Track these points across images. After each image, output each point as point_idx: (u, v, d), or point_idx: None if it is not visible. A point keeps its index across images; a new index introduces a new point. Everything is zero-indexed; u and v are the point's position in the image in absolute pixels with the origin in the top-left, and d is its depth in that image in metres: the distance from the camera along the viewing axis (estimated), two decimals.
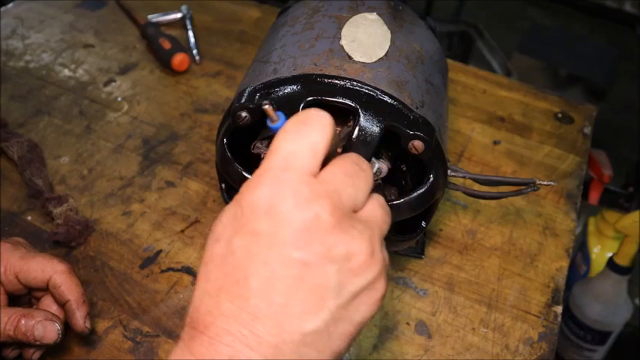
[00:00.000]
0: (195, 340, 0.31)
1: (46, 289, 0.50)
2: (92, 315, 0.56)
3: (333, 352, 0.32)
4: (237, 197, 0.33)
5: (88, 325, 0.50)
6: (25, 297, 0.52)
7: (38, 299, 0.52)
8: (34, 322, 0.47)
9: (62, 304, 0.50)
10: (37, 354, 0.50)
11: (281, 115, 0.34)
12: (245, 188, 0.33)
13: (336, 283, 0.31)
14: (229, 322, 0.30)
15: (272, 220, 0.31)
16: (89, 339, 0.54)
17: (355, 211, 0.34)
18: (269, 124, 0.34)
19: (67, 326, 0.50)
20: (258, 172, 0.33)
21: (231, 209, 0.33)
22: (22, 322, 0.46)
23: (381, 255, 0.33)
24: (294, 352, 0.31)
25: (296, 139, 0.33)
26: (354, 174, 0.34)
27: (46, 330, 0.47)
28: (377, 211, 0.35)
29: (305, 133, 0.33)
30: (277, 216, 0.31)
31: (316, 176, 0.33)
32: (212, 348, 0.30)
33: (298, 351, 0.31)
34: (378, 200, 0.36)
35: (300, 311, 0.31)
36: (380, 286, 0.33)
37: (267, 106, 0.33)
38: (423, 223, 0.54)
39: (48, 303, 0.51)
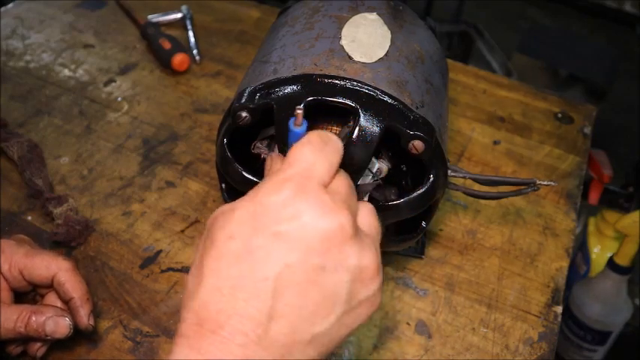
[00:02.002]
0: (204, 340, 0.31)
1: (51, 286, 0.50)
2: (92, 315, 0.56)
3: (327, 352, 0.34)
4: (255, 196, 0.33)
5: (91, 322, 0.50)
6: (29, 294, 0.52)
7: (42, 296, 0.52)
8: (44, 317, 0.47)
9: (66, 302, 0.50)
10: (42, 350, 0.50)
11: (305, 122, 0.37)
12: (267, 188, 0.33)
13: (347, 291, 0.33)
14: (243, 322, 0.30)
15: (297, 224, 0.32)
16: (89, 339, 0.54)
17: None
18: (292, 127, 0.36)
19: None
20: (280, 175, 0.34)
21: (248, 207, 0.33)
22: (33, 318, 0.47)
23: (382, 268, 0.35)
24: (301, 353, 0.32)
25: (319, 153, 0.35)
26: (352, 188, 0.37)
27: (58, 325, 0.47)
28: (373, 221, 0.38)
29: (327, 151, 0.35)
30: (303, 221, 0.32)
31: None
32: (224, 348, 0.30)
33: (304, 351, 0.32)
34: (371, 209, 0.38)
35: (313, 314, 0.32)
36: (378, 298, 0.36)
37: (299, 111, 0.35)
38: (423, 223, 0.54)
39: (52, 300, 0.51)
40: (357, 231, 0.34)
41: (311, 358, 0.33)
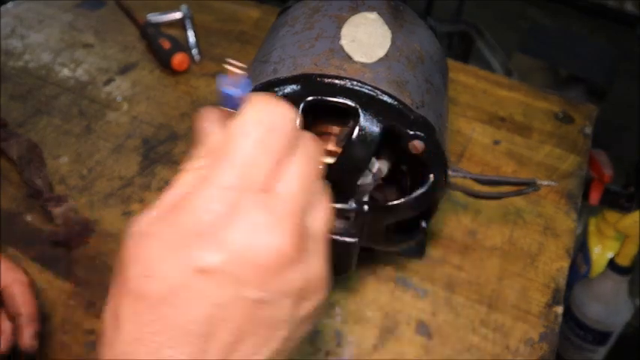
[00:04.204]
0: None
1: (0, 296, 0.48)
2: (92, 315, 0.56)
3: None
4: (175, 216, 0.28)
5: (34, 343, 0.48)
6: None
7: None
8: None
9: (13, 317, 0.48)
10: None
11: (245, 82, 0.27)
12: (188, 205, 0.28)
13: (289, 314, 0.29)
14: None
15: (225, 255, 0.27)
16: (88, 339, 0.54)
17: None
18: (224, 88, 0.27)
19: (67, 324, 0.49)
20: (209, 181, 0.28)
21: (165, 233, 0.28)
22: None
23: (327, 276, 0.31)
24: None
25: (263, 146, 0.28)
26: (310, 177, 0.30)
27: None
28: (326, 220, 0.31)
29: (274, 139, 0.28)
30: (231, 250, 0.27)
31: (272, 189, 0.28)
32: None
33: None
34: (327, 207, 0.32)
35: (252, 346, 0.28)
36: (322, 308, 0.32)
37: (230, 67, 0.28)
38: (423, 223, 0.54)
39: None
40: (304, 244, 0.28)
41: None
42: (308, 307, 0.30)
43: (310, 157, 0.30)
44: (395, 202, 0.49)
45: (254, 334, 0.28)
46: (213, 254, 0.27)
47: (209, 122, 0.31)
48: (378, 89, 0.47)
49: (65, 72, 0.84)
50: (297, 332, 0.30)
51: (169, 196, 0.28)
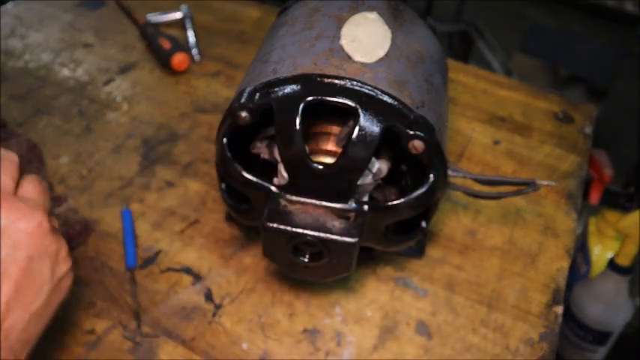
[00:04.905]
0: None
1: None
2: (92, 315, 0.56)
3: (48, 318, 0.43)
4: None
5: None
6: None
7: None
8: None
9: None
10: None
11: None
12: None
13: (50, 271, 0.42)
14: None
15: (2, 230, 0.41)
16: (88, 339, 0.54)
17: None
18: None
19: (67, 324, 0.49)
20: None
21: None
22: None
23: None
24: (24, 328, 0.40)
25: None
26: (43, 188, 0.46)
27: None
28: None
29: (5, 167, 0.44)
30: (5, 226, 0.40)
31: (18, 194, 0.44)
32: None
33: (27, 328, 0.41)
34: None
35: (28, 297, 0.40)
36: (71, 274, 0.45)
37: None
38: (423, 223, 0.54)
39: None
40: (52, 225, 0.43)
41: (39, 328, 0.42)
42: (63, 269, 0.43)
43: (34, 180, 0.45)
44: (395, 202, 0.49)
45: (28, 287, 0.40)
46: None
47: None
48: (378, 89, 0.47)
49: (65, 72, 0.84)
50: (57, 291, 0.43)
51: None
